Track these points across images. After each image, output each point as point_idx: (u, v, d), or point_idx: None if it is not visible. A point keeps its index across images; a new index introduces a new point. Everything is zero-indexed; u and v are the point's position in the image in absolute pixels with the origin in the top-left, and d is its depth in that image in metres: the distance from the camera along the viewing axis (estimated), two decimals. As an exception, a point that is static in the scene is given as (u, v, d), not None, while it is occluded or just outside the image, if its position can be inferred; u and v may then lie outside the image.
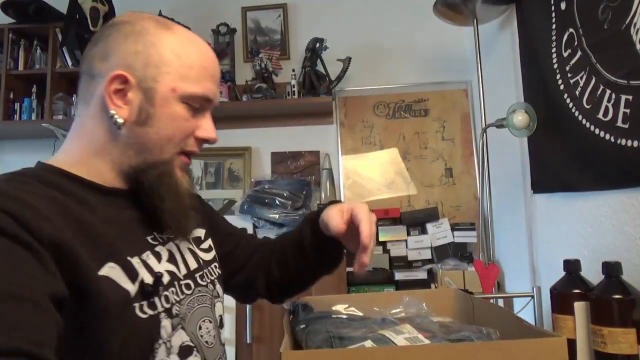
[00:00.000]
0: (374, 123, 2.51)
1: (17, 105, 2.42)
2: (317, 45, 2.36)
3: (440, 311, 0.89)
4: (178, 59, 0.66)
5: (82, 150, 0.67)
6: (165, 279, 0.66)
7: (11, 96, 2.40)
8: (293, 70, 2.42)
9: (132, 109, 0.65)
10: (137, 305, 0.61)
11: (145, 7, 2.80)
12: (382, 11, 2.57)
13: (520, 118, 1.51)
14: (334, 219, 0.76)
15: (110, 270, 0.59)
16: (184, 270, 0.71)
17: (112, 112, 0.64)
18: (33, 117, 2.41)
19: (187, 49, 0.67)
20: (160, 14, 2.50)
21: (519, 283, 1.88)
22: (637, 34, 1.03)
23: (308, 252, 0.84)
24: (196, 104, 0.68)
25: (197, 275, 0.73)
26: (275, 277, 0.89)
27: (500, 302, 1.74)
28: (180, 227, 0.71)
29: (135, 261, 0.63)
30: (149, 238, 0.68)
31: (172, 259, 0.70)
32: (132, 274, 0.61)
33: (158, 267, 0.66)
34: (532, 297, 1.46)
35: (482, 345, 0.67)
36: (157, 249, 0.68)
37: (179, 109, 0.67)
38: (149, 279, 0.63)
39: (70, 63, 2.40)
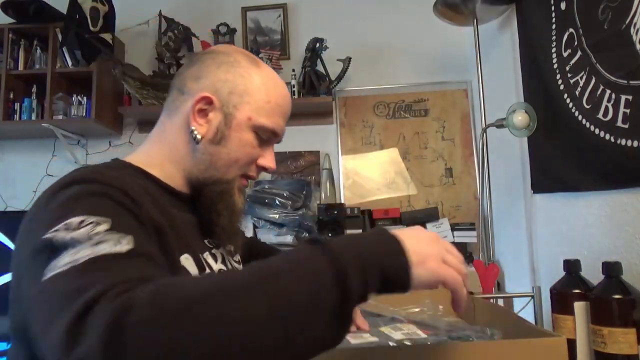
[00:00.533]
0: (374, 123, 2.51)
1: (17, 105, 2.41)
2: (317, 45, 2.36)
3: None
4: (259, 93, 0.74)
5: (160, 155, 0.75)
6: None
7: (11, 96, 2.39)
8: (293, 70, 2.42)
9: (210, 128, 0.73)
10: None
11: (145, 7, 2.77)
12: (382, 11, 2.57)
13: (520, 118, 1.51)
14: None
15: (186, 260, 0.66)
16: None
17: (193, 127, 0.73)
18: (33, 117, 2.40)
19: (268, 85, 0.76)
20: (160, 14, 2.50)
21: (519, 283, 1.88)
22: (637, 34, 1.03)
23: None
24: (264, 136, 0.76)
25: None
26: None
27: (500, 302, 1.74)
28: (230, 242, 0.80)
29: (201, 257, 0.70)
30: (205, 241, 0.76)
31: (223, 262, 0.77)
32: (200, 268, 0.68)
33: (215, 267, 0.73)
34: (532, 297, 1.46)
35: (483, 345, 0.67)
36: (213, 251, 0.76)
37: (249, 136, 0.75)
38: None
39: (70, 63, 2.39)
